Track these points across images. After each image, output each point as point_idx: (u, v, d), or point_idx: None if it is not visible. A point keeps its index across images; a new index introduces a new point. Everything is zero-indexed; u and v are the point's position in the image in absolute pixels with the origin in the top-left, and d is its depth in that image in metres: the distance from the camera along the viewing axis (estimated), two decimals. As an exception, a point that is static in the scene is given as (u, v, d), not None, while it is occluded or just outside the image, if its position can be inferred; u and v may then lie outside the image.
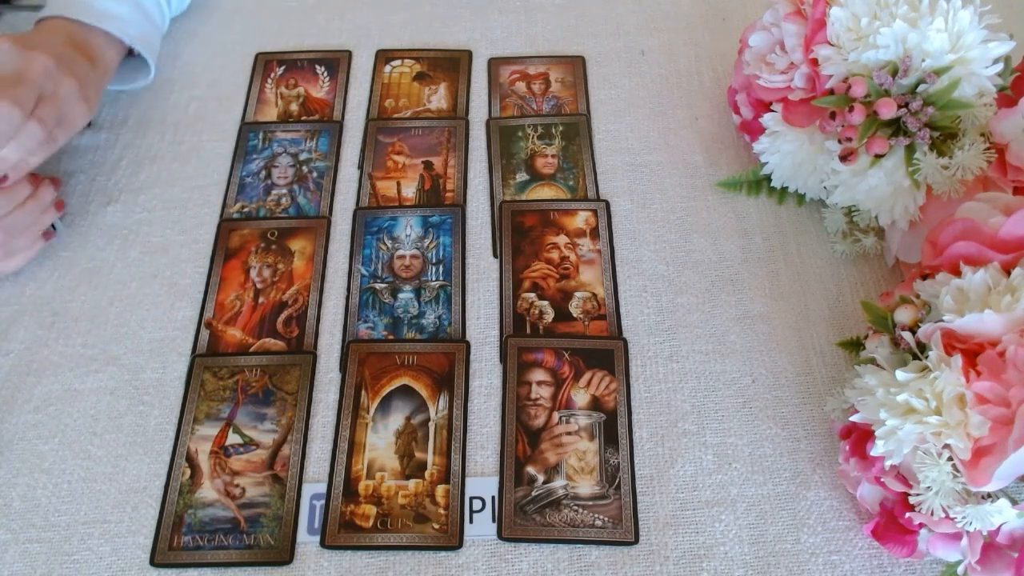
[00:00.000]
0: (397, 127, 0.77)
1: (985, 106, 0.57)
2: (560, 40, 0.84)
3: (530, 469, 0.57)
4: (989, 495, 0.44)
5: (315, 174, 0.74)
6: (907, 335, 0.49)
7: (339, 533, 0.55)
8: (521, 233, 0.69)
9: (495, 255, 0.68)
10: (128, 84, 0.78)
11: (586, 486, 0.56)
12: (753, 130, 0.69)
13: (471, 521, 0.55)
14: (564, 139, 0.75)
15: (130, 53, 0.74)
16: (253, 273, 0.67)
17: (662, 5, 0.86)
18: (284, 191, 0.73)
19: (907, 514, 0.47)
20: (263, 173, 0.74)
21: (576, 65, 0.81)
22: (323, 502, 0.56)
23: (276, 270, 0.68)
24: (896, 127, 0.58)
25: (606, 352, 0.62)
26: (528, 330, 0.64)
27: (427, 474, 0.57)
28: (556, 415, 0.59)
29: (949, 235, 0.50)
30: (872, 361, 0.51)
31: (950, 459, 0.44)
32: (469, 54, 0.83)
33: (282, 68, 0.82)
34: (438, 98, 0.80)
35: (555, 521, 0.55)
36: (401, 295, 0.66)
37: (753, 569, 0.53)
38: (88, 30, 0.69)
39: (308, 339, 0.64)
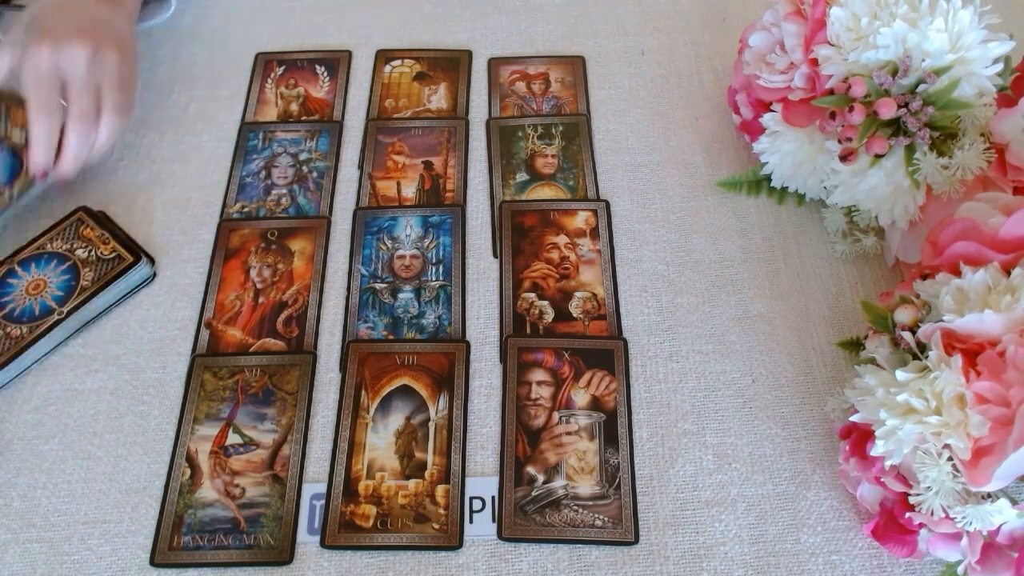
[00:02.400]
0: (397, 127, 0.77)
1: (985, 106, 0.56)
2: (560, 40, 0.84)
3: (530, 469, 0.57)
4: (989, 495, 0.44)
5: (315, 174, 0.74)
6: (907, 335, 0.49)
7: (339, 533, 0.55)
8: (521, 233, 0.69)
9: (495, 255, 0.68)
10: (149, 21, 0.82)
11: (586, 486, 0.56)
12: (753, 130, 0.69)
13: (471, 521, 0.55)
14: (564, 139, 0.75)
15: None
16: (253, 273, 0.67)
17: (662, 5, 0.86)
18: (284, 191, 0.73)
19: (907, 514, 0.47)
20: (263, 173, 0.74)
21: (576, 65, 0.81)
22: (323, 502, 0.56)
23: (276, 270, 0.68)
24: (896, 127, 0.58)
25: (606, 352, 0.62)
26: (528, 330, 0.64)
27: (427, 474, 0.57)
28: (556, 415, 0.59)
29: (949, 235, 0.50)
30: (872, 361, 0.51)
31: (950, 459, 0.44)
32: (469, 54, 0.83)
33: (282, 68, 0.82)
34: (438, 98, 0.80)
35: (555, 521, 0.55)
36: (401, 295, 0.66)
37: (753, 569, 0.53)
38: None
39: (308, 339, 0.64)
